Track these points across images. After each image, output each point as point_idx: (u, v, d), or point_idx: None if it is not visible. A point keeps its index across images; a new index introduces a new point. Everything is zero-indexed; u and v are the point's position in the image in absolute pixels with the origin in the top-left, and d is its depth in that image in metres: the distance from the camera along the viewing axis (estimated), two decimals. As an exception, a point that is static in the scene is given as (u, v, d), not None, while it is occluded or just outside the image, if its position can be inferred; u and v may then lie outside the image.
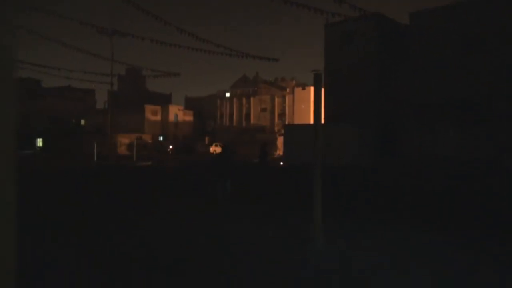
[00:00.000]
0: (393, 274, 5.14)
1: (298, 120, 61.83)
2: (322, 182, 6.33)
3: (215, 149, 52.66)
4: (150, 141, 57.52)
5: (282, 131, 41.07)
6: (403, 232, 7.39)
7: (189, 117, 73.36)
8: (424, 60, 26.94)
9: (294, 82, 71.46)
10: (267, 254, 5.91)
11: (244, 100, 72.89)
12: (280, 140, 44.86)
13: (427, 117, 26.48)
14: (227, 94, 76.92)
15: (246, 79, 77.44)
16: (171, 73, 32.31)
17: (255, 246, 6.36)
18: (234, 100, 74.19)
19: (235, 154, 24.04)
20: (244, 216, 8.82)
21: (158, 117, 68.44)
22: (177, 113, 71.06)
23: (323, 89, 7.77)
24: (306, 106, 64.18)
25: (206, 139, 64.71)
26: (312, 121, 53.31)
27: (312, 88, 61.15)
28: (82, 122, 67.12)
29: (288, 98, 68.19)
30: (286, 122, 60.95)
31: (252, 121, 70.90)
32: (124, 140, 48.71)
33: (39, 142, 56.09)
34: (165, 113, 69.19)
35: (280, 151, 42.91)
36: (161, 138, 63.90)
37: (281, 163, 29.94)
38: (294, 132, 30.75)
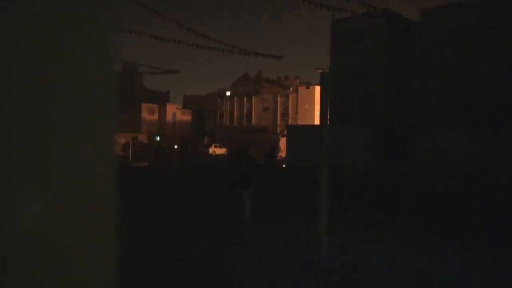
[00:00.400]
0: (393, 275, 5.13)
1: (301, 121, 61.80)
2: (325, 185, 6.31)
3: (215, 150, 52.62)
4: (146, 141, 57.52)
5: (285, 132, 41.07)
6: (404, 234, 7.37)
7: (187, 117, 73.39)
8: (434, 59, 26.91)
9: (297, 81, 71.46)
10: (272, 257, 5.90)
11: (245, 99, 72.91)
12: (282, 141, 44.87)
13: (436, 118, 26.44)
14: (228, 93, 76.95)
15: (248, 78, 77.47)
16: (170, 70, 32.22)
17: (259, 250, 6.34)
18: (235, 99, 74.22)
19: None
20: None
21: (155, 116, 68.48)
22: (175, 112, 71.08)
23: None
24: (310, 106, 64.17)
25: (205, 139, 64.74)
26: (316, 122, 53.29)
27: (316, 88, 61.17)
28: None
29: (291, 98, 68.19)
30: (289, 123, 60.93)
31: (253, 121, 70.89)
32: (119, 140, 48.75)
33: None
34: (162, 112, 69.21)
35: (282, 153, 42.90)
36: (158, 138, 63.92)
37: (284, 166, 29.92)
38: (298, 133, 30.74)
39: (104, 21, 0.84)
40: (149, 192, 13.57)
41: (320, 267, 5.59)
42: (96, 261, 0.82)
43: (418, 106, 27.52)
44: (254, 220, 8.53)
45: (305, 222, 8.47)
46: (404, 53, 30.35)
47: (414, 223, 8.60)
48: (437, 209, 10.72)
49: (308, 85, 67.20)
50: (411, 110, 28.10)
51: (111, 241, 0.84)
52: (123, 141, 47.92)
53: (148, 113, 67.16)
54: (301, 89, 66.85)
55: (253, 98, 72.09)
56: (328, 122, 6.87)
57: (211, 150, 52.11)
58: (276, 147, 21.92)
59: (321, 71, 24.44)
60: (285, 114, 68.70)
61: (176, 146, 55.83)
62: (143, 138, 57.78)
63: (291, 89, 69.12)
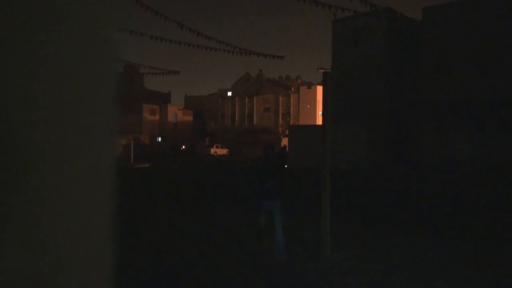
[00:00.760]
0: (396, 276, 5.03)
1: (303, 121, 61.72)
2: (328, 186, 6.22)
3: (216, 150, 52.60)
4: (147, 142, 57.51)
5: (287, 132, 41.00)
6: (409, 236, 7.27)
7: (189, 117, 73.38)
8: (437, 58, 26.77)
9: (299, 81, 71.42)
10: (274, 258, 5.81)
11: (246, 100, 72.86)
12: (284, 142, 44.79)
13: (439, 118, 26.30)
14: (229, 93, 76.93)
15: (249, 78, 77.45)
16: (171, 71, 32.14)
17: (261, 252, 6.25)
18: (236, 99, 74.18)
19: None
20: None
21: (157, 117, 68.48)
22: (176, 113, 71.09)
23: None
24: (311, 106, 64.10)
25: (207, 140, 64.71)
26: (318, 122, 53.23)
27: (318, 88, 61.11)
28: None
29: (293, 98, 68.12)
30: (291, 123, 60.85)
31: (255, 122, 70.85)
32: (121, 141, 48.74)
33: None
34: (164, 113, 69.21)
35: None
36: (159, 139, 63.91)
37: (285, 166, 29.84)
38: (299, 133, 30.65)
39: (106, 20, 0.83)
40: (149, 196, 13.49)
41: (323, 269, 5.51)
42: (93, 262, 0.82)
43: (421, 106, 27.38)
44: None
45: (307, 223, 8.38)
46: (407, 52, 30.22)
47: (419, 225, 8.50)
48: (443, 210, 10.61)
49: (310, 85, 67.16)
50: (414, 109, 27.97)
51: (109, 242, 0.84)
52: (124, 142, 47.94)
53: (149, 114, 67.16)
54: (303, 89, 66.79)
55: (255, 98, 72.03)
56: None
57: (212, 151, 52.09)
58: (270, 149, 23.57)
59: (323, 70, 24.33)
60: (286, 114, 68.65)
61: (183, 147, 55.64)
62: (144, 139, 57.75)
63: (292, 89, 69.06)
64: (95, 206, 0.81)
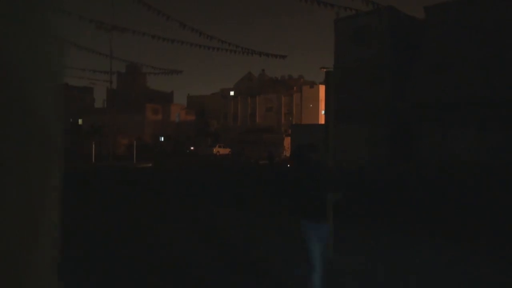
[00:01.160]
0: (400, 277, 5.08)
1: (306, 120, 61.72)
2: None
3: (219, 150, 52.64)
4: (149, 141, 57.63)
5: (289, 131, 41.03)
6: (413, 236, 7.31)
7: (191, 117, 73.45)
8: (440, 57, 26.77)
9: (301, 80, 71.43)
10: (276, 259, 5.86)
11: (249, 99, 72.88)
12: (287, 141, 44.84)
13: (443, 118, 26.30)
14: (232, 93, 76.98)
15: (251, 77, 77.48)
16: (173, 71, 32.21)
17: (264, 251, 6.31)
18: (239, 99, 74.20)
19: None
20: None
21: (159, 117, 68.58)
22: (179, 112, 71.20)
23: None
24: (314, 106, 64.08)
25: (209, 139, 64.78)
26: (320, 121, 53.19)
27: (320, 87, 61.07)
28: (80, 121, 67.44)
29: (295, 97, 68.11)
30: (293, 122, 60.86)
31: (257, 121, 70.86)
32: (123, 140, 48.86)
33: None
34: (166, 112, 69.31)
35: (287, 152, 42.88)
36: (162, 139, 64.02)
37: (288, 165, 29.90)
38: (302, 132, 30.68)
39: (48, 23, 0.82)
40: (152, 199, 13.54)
41: (326, 270, 5.54)
42: (38, 266, 0.81)
43: (424, 105, 27.38)
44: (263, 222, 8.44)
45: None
46: (409, 50, 30.22)
47: (422, 225, 8.53)
48: (445, 210, 10.63)
49: (312, 84, 67.14)
50: (417, 108, 27.97)
51: (53, 248, 0.84)
52: (127, 141, 48.07)
53: (152, 114, 67.28)
54: (305, 89, 66.77)
55: (257, 98, 72.04)
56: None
57: (215, 150, 52.14)
58: (273, 152, 25.29)
59: (325, 70, 24.36)
60: (289, 114, 68.63)
61: (192, 148, 55.50)
62: (147, 138, 57.86)
63: (295, 88, 69.05)
64: (38, 210, 0.79)
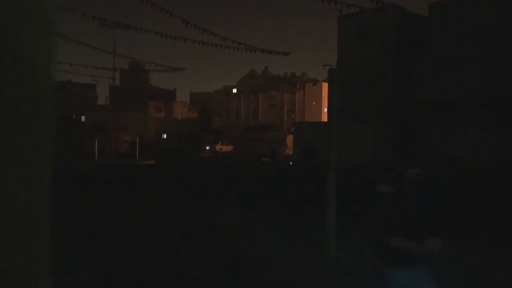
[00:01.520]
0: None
1: (308, 118, 61.59)
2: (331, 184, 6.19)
3: (221, 147, 52.63)
4: (152, 138, 57.65)
5: (292, 129, 40.95)
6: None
7: (194, 114, 73.44)
8: (444, 55, 26.59)
9: (304, 77, 71.25)
10: (279, 258, 5.80)
11: (251, 97, 72.80)
12: (289, 138, 44.78)
13: (445, 117, 26.15)
14: (234, 90, 76.92)
15: (254, 75, 77.37)
16: (176, 68, 32.27)
17: (267, 251, 6.24)
18: (241, 96, 74.14)
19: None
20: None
21: (162, 114, 68.58)
22: (181, 110, 71.20)
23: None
24: (317, 103, 63.97)
25: (212, 137, 64.76)
26: (323, 119, 53.11)
27: (324, 84, 60.93)
28: (83, 118, 67.51)
29: (298, 95, 67.99)
30: (296, 120, 60.76)
31: (260, 119, 70.79)
32: (126, 138, 48.90)
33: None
34: (169, 110, 69.30)
35: (290, 150, 42.81)
36: (165, 136, 64.04)
37: (291, 163, 29.83)
38: (305, 130, 30.61)
39: (41, 21, 0.79)
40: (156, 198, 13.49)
41: (329, 268, 5.48)
42: (29, 268, 0.79)
43: (427, 103, 27.23)
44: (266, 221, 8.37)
45: (312, 221, 8.37)
46: (413, 48, 30.04)
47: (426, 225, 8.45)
48: (448, 208, 10.55)
49: (315, 82, 66.99)
50: (420, 106, 27.82)
51: (44, 250, 0.82)
52: (129, 138, 48.11)
53: (155, 111, 67.27)
54: (308, 86, 66.63)
55: (260, 95, 71.95)
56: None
57: (217, 148, 52.16)
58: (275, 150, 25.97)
59: (328, 67, 24.25)
60: (291, 111, 68.54)
61: (208, 148, 54.96)
62: (149, 135, 57.87)
63: (298, 86, 68.91)
64: (28, 211, 0.79)
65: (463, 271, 5.56)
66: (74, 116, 66.13)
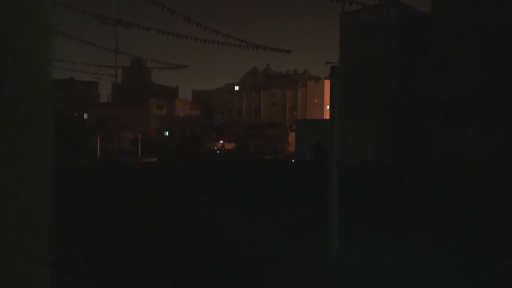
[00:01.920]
0: (405, 273, 4.94)
1: (310, 115, 61.47)
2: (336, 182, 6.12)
3: (223, 144, 52.65)
4: (154, 136, 57.66)
5: (294, 127, 40.86)
6: (418, 232, 7.16)
7: (196, 112, 73.41)
8: (447, 52, 26.41)
9: (307, 75, 71.08)
10: (281, 255, 5.73)
11: (253, 94, 72.69)
12: (291, 136, 44.70)
13: (446, 114, 26.00)
14: (236, 88, 76.81)
15: (256, 72, 77.23)
16: (178, 65, 32.19)
17: (268, 249, 6.18)
18: (244, 93, 74.03)
19: None
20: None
21: (164, 111, 68.57)
22: (184, 107, 71.17)
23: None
24: (319, 101, 63.83)
25: (214, 134, 64.74)
26: (325, 116, 53.00)
27: (326, 82, 60.80)
28: (85, 116, 67.56)
29: (300, 92, 67.85)
30: (298, 117, 60.64)
31: (262, 116, 70.70)
32: (128, 135, 48.91)
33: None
34: (171, 107, 69.29)
35: (292, 147, 42.73)
36: (167, 133, 64.07)
37: (293, 160, 29.78)
38: (307, 127, 30.52)
39: (39, 20, 0.81)
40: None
41: (331, 265, 5.43)
42: (27, 267, 0.82)
43: (430, 100, 27.08)
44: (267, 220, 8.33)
45: (314, 218, 8.30)
46: (416, 45, 29.86)
47: (427, 220, 8.38)
48: (450, 206, 10.47)
49: (317, 79, 66.85)
50: (422, 104, 27.68)
51: (43, 249, 0.84)
52: (132, 136, 48.12)
53: (157, 108, 67.27)
54: (310, 83, 66.49)
55: (262, 92, 71.85)
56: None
57: (220, 145, 52.19)
58: (277, 147, 26.38)
59: (330, 64, 24.13)
60: (294, 109, 68.43)
61: (222, 143, 54.70)
62: (152, 133, 57.88)
63: (300, 83, 68.75)
64: (28, 211, 0.79)
65: (463, 269, 5.49)
66: (76, 114, 66.17)
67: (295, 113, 66.51)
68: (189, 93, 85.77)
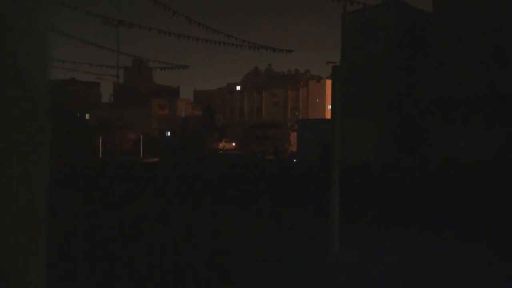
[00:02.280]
0: (406, 273, 4.92)
1: (312, 115, 61.42)
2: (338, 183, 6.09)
3: (225, 144, 52.64)
4: (156, 136, 57.67)
5: (296, 126, 40.82)
6: (419, 232, 7.14)
7: (197, 112, 73.42)
8: (449, 52, 26.34)
9: (308, 74, 71.05)
10: (282, 255, 5.71)
11: (255, 94, 72.66)
12: (293, 136, 44.65)
13: (446, 114, 25.94)
14: (238, 88, 76.80)
15: (258, 72, 77.22)
16: (179, 65, 32.19)
17: (269, 249, 6.16)
18: (245, 93, 74.02)
19: None
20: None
21: (166, 112, 68.59)
22: (185, 107, 71.18)
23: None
24: (321, 100, 63.78)
25: (215, 134, 64.70)
26: (327, 116, 52.95)
27: (327, 82, 60.72)
28: (87, 116, 67.62)
29: (302, 92, 67.80)
30: (300, 117, 60.59)
31: (263, 116, 70.66)
32: (130, 135, 48.92)
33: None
34: (173, 107, 69.31)
35: (293, 147, 42.69)
36: (168, 134, 64.07)
37: (294, 160, 29.74)
38: (308, 127, 30.48)
39: (38, 20, 0.81)
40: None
41: (333, 265, 5.41)
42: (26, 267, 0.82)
43: (431, 100, 27.01)
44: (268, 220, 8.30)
45: (314, 218, 8.28)
46: (417, 45, 29.79)
47: (428, 220, 8.35)
48: (451, 206, 10.44)
49: (319, 79, 66.81)
50: (424, 104, 27.61)
51: (42, 248, 0.84)
52: (133, 136, 48.14)
53: (158, 109, 67.30)
54: (312, 83, 66.44)
55: (263, 92, 71.83)
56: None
57: (221, 145, 52.19)
58: (279, 147, 26.48)
59: (332, 64, 24.10)
60: (295, 109, 68.37)
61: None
62: (153, 133, 57.89)
63: (301, 83, 68.71)
64: (28, 211, 0.79)
65: (463, 269, 5.47)
66: (78, 114, 66.23)
67: (297, 113, 66.47)
68: (191, 93, 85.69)
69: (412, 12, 30.86)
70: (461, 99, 25.10)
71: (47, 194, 0.81)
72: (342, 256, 5.84)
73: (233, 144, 53.97)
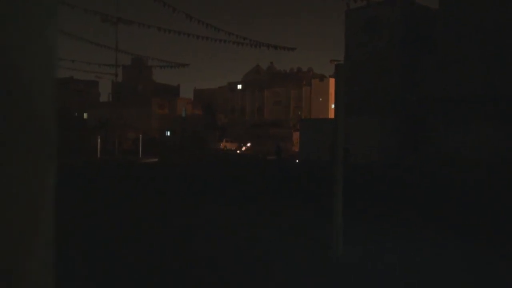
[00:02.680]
0: (408, 274, 4.95)
1: (315, 114, 61.38)
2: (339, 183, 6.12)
3: (226, 144, 52.64)
4: (156, 135, 57.73)
5: (298, 126, 40.85)
6: (422, 232, 7.17)
7: (198, 111, 73.41)
8: (454, 49, 26.31)
9: (311, 73, 71.00)
10: (285, 256, 5.75)
11: (256, 93, 72.64)
12: (295, 135, 44.67)
13: (455, 113, 25.92)
14: (239, 86, 76.76)
15: (259, 70, 77.19)
16: (179, 64, 32.24)
17: (271, 248, 6.20)
18: (246, 92, 73.99)
19: None
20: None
21: (166, 111, 68.60)
22: (185, 106, 71.18)
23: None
24: (324, 99, 63.73)
25: (217, 134, 64.72)
26: (330, 115, 52.92)
27: (331, 80, 60.67)
28: (85, 115, 67.73)
29: (304, 91, 67.74)
30: (302, 117, 60.57)
31: (265, 115, 70.63)
32: (130, 134, 48.99)
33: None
34: (172, 106, 69.31)
35: (296, 147, 42.70)
36: (168, 133, 64.11)
37: (297, 160, 29.75)
38: (311, 127, 30.51)
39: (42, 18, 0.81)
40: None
41: (335, 266, 5.44)
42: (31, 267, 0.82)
43: (435, 98, 27.00)
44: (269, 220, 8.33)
45: (314, 218, 8.31)
46: (422, 42, 29.78)
47: (432, 220, 8.38)
48: (455, 205, 10.46)
49: (322, 77, 66.71)
50: (428, 102, 27.61)
51: (48, 247, 0.85)
52: (133, 135, 48.19)
53: (158, 108, 67.33)
54: (315, 82, 66.37)
55: (265, 91, 71.77)
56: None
57: (222, 145, 52.19)
58: (280, 147, 26.35)
59: (335, 62, 24.11)
60: (298, 108, 68.32)
61: (246, 145, 54.24)
62: (153, 132, 57.95)
63: (304, 82, 68.64)
64: (28, 211, 0.79)
65: (463, 269, 5.50)
66: (76, 113, 66.33)
67: (299, 112, 66.42)
68: (191, 92, 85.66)
69: (416, 9, 30.85)
70: (465, 98, 25.10)
71: (51, 195, 0.83)
72: (343, 255, 5.88)
73: (235, 144, 53.88)
